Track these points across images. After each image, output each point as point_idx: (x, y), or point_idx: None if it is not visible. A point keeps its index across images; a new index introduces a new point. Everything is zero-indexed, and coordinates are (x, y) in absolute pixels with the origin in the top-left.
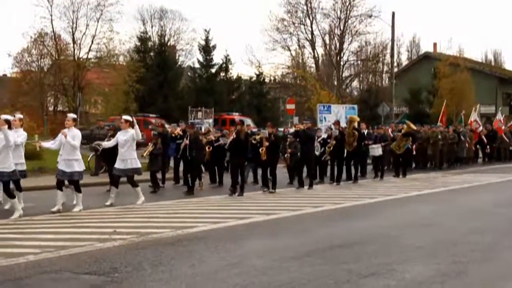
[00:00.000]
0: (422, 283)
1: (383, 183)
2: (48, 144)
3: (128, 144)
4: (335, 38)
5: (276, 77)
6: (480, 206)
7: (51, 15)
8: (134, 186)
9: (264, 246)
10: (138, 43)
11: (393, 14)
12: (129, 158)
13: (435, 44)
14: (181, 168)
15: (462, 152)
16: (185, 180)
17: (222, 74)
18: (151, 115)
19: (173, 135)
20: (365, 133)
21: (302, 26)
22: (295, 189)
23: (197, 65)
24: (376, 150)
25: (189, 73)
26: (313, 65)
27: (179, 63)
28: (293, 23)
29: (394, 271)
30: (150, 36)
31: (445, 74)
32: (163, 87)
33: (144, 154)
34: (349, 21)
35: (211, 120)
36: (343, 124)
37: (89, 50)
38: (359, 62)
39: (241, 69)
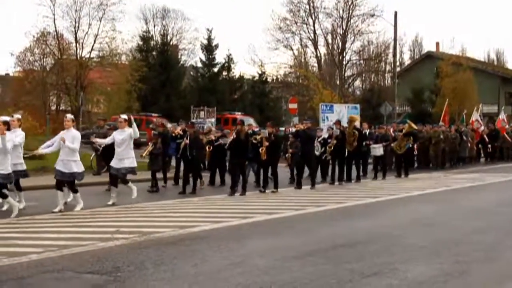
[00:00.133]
0: (425, 283)
1: (385, 183)
2: (46, 150)
3: (125, 143)
4: (338, 38)
5: (279, 77)
6: (482, 205)
7: (54, 14)
8: (125, 183)
9: (266, 245)
10: (141, 43)
11: (396, 13)
12: (126, 157)
13: (437, 44)
14: (181, 168)
15: (464, 151)
16: (185, 180)
17: (225, 73)
18: (153, 114)
19: (173, 134)
20: (367, 132)
21: (304, 26)
22: (294, 189)
23: (199, 65)
24: (377, 149)
25: (191, 73)
26: (316, 65)
27: (181, 62)
28: (296, 23)
29: (396, 270)
30: (152, 35)
31: (448, 73)
32: (165, 87)
33: (144, 154)
34: (352, 21)
35: (213, 120)
36: (344, 123)
37: (92, 49)
38: (361, 61)
39: (243, 69)
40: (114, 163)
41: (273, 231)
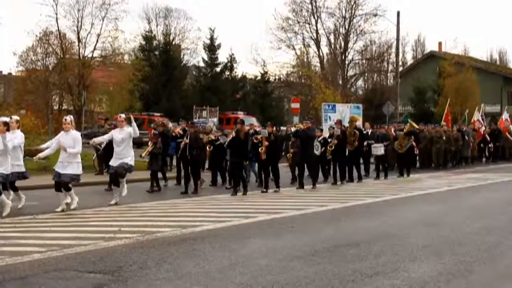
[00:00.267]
0: (428, 283)
1: (387, 183)
2: (45, 153)
3: (125, 142)
4: (340, 37)
5: (281, 76)
6: (485, 205)
7: (56, 14)
8: (121, 177)
9: (269, 245)
10: (143, 42)
11: (398, 13)
12: (125, 156)
13: (440, 43)
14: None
15: (466, 151)
16: (186, 179)
17: (227, 73)
18: (155, 114)
19: (173, 134)
20: (369, 132)
21: (307, 25)
22: (296, 189)
23: (202, 64)
24: (379, 149)
25: (194, 72)
26: (318, 64)
27: (184, 62)
28: (298, 22)
29: (399, 270)
30: (155, 35)
31: (450, 73)
32: (167, 86)
33: (143, 154)
34: (354, 20)
35: (215, 119)
36: (346, 123)
37: (94, 48)
38: (364, 61)
39: (246, 68)
40: (113, 162)
41: (276, 231)
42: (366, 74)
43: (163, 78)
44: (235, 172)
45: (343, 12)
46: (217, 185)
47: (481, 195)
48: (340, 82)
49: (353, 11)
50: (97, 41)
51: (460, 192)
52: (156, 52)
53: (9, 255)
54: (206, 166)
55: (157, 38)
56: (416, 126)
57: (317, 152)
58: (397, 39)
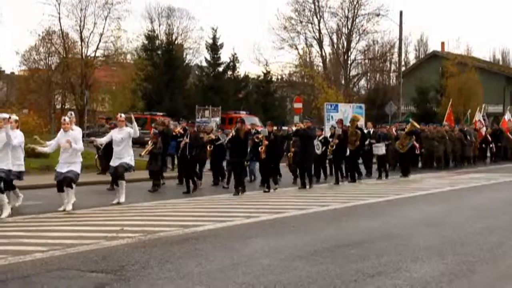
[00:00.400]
0: (430, 283)
1: (389, 183)
2: (43, 149)
3: (124, 142)
4: (343, 37)
5: (283, 76)
6: (487, 205)
7: (59, 13)
8: (121, 178)
9: (271, 245)
10: (146, 42)
11: (401, 13)
12: (125, 156)
13: (443, 43)
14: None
15: (468, 151)
16: (188, 179)
17: (230, 72)
18: (158, 113)
19: (174, 133)
20: (371, 132)
21: (309, 25)
22: (298, 188)
23: (204, 64)
24: (380, 149)
25: (196, 72)
26: (321, 64)
27: (186, 61)
28: (301, 22)
29: (401, 270)
30: (157, 34)
31: (453, 73)
32: (170, 86)
33: (143, 154)
34: (357, 20)
35: (218, 119)
36: (348, 123)
37: (97, 48)
38: (366, 61)
39: (248, 68)
40: (113, 162)
41: (278, 230)
42: (368, 74)
43: (166, 78)
44: (235, 171)
45: (346, 12)
46: (219, 184)
47: (484, 195)
48: (343, 82)
49: (355, 11)
50: (99, 40)
51: (463, 192)
52: (159, 52)
53: (11, 254)
54: (208, 166)
55: (159, 38)
56: (418, 126)
57: (318, 151)
58: (400, 39)
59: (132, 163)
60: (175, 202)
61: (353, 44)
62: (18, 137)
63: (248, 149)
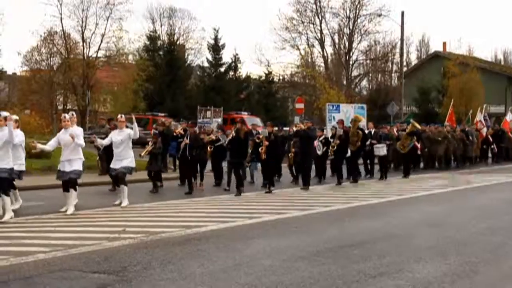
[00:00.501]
0: (432, 283)
1: (391, 183)
2: (43, 147)
3: (124, 143)
4: (344, 37)
5: (285, 77)
6: (489, 206)
7: (61, 14)
8: (122, 183)
9: (273, 245)
10: (147, 42)
11: (403, 13)
12: (125, 157)
13: (444, 44)
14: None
15: (470, 152)
16: (188, 180)
17: (231, 73)
18: (159, 114)
19: (174, 134)
20: (372, 132)
21: (311, 25)
22: (300, 189)
23: (206, 64)
24: (381, 149)
25: (198, 72)
26: (322, 65)
27: (188, 62)
28: (302, 22)
29: (403, 270)
30: (159, 35)
31: (455, 73)
32: (172, 86)
33: (143, 154)
34: (359, 20)
35: (220, 119)
36: (348, 123)
37: (99, 48)
38: (368, 61)
39: (250, 68)
40: (113, 165)
41: (280, 231)
42: (370, 74)
43: (167, 78)
44: (235, 171)
45: (348, 12)
46: (221, 185)
47: (486, 195)
48: (344, 82)
49: (357, 11)
50: (101, 41)
51: (465, 192)
52: (161, 52)
53: (13, 255)
54: (210, 167)
55: (161, 38)
56: (419, 127)
57: (319, 152)
58: (402, 39)
59: (133, 164)
60: (177, 202)
61: (354, 45)
62: (18, 135)
63: (250, 151)
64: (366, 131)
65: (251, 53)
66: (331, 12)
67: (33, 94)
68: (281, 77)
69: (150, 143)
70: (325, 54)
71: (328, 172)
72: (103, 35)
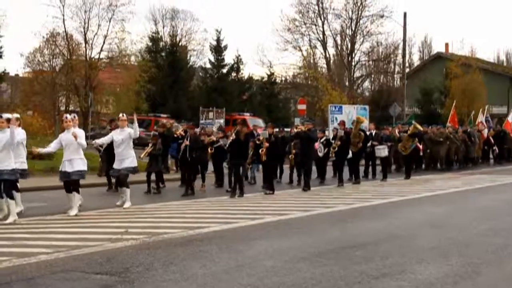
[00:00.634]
0: (434, 284)
1: (393, 184)
2: (46, 150)
3: (125, 143)
4: (347, 39)
5: (287, 78)
6: (492, 206)
7: (63, 15)
8: (124, 185)
9: (275, 246)
10: (150, 43)
11: (405, 14)
12: (126, 157)
13: (447, 45)
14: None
15: (472, 153)
16: (188, 181)
17: (234, 74)
18: (162, 115)
19: (175, 135)
20: (373, 133)
21: (313, 27)
22: (301, 190)
23: (208, 65)
24: (382, 151)
25: (200, 73)
26: (325, 66)
27: (190, 63)
28: (305, 23)
29: (406, 271)
30: (161, 36)
31: (457, 74)
32: (174, 87)
33: (142, 156)
34: (361, 22)
35: (222, 120)
36: (350, 125)
37: (101, 50)
38: (370, 62)
39: (252, 70)
40: (116, 165)
41: (282, 232)
42: (372, 76)
43: (170, 80)
44: (235, 173)
45: (350, 13)
46: (223, 186)
47: (488, 196)
48: (347, 83)
49: (359, 12)
50: (103, 42)
51: (467, 193)
52: (163, 54)
53: (16, 256)
54: (211, 168)
55: (163, 40)
56: (420, 128)
57: (320, 153)
58: (404, 41)
59: (135, 164)
60: (179, 203)
61: (357, 46)
62: (20, 134)
63: (250, 152)
64: (368, 133)
65: (253, 54)
66: (333, 13)
67: (36, 95)
68: (283, 78)
69: (149, 145)
70: (327, 55)
71: (330, 173)
72: (105, 37)
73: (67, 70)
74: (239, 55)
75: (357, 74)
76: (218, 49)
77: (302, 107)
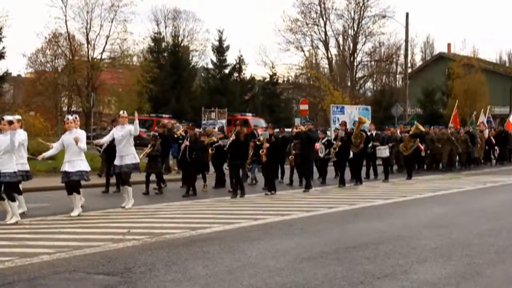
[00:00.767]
0: (437, 284)
1: (396, 185)
2: (49, 153)
3: (125, 139)
4: (349, 39)
5: (290, 78)
6: (494, 207)
7: (66, 16)
8: (126, 184)
9: (278, 246)
10: (152, 44)
11: (407, 14)
12: (126, 154)
13: (449, 45)
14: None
15: (474, 153)
16: (188, 181)
17: (236, 74)
18: (164, 115)
19: (175, 135)
20: (373, 134)
21: (315, 27)
22: (302, 191)
23: (210, 66)
24: (383, 151)
25: (202, 74)
26: (327, 66)
27: (192, 63)
28: (307, 24)
29: (408, 272)
30: (163, 36)
31: (459, 75)
32: (176, 88)
33: (141, 156)
34: (363, 22)
35: (224, 121)
36: (351, 125)
37: (103, 50)
38: (372, 62)
39: (254, 70)
40: (117, 161)
41: (285, 232)
42: (375, 76)
43: (172, 80)
44: (235, 173)
45: (352, 13)
46: (225, 187)
47: (491, 197)
48: (349, 83)
49: (362, 12)
50: (106, 43)
51: (470, 194)
52: (165, 54)
53: (18, 257)
54: (213, 169)
55: (165, 40)
56: (422, 129)
57: (321, 154)
58: (406, 41)
59: (136, 160)
60: (181, 204)
61: (359, 46)
62: (21, 135)
63: (251, 153)
64: (368, 133)
65: (256, 54)
66: (335, 14)
67: (38, 96)
68: (285, 79)
69: (149, 145)
70: (330, 55)
71: (331, 174)
72: (107, 37)
73: (69, 70)
74: (241, 56)
75: (359, 74)
76: (220, 49)
77: (304, 107)
